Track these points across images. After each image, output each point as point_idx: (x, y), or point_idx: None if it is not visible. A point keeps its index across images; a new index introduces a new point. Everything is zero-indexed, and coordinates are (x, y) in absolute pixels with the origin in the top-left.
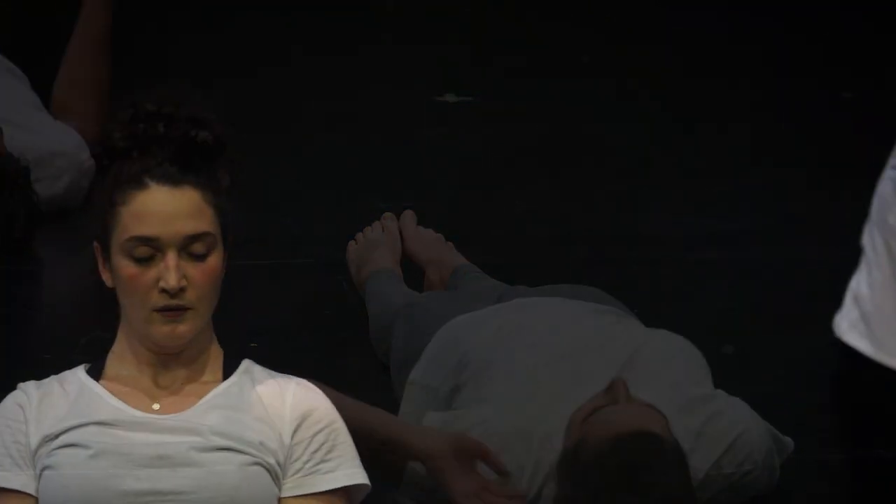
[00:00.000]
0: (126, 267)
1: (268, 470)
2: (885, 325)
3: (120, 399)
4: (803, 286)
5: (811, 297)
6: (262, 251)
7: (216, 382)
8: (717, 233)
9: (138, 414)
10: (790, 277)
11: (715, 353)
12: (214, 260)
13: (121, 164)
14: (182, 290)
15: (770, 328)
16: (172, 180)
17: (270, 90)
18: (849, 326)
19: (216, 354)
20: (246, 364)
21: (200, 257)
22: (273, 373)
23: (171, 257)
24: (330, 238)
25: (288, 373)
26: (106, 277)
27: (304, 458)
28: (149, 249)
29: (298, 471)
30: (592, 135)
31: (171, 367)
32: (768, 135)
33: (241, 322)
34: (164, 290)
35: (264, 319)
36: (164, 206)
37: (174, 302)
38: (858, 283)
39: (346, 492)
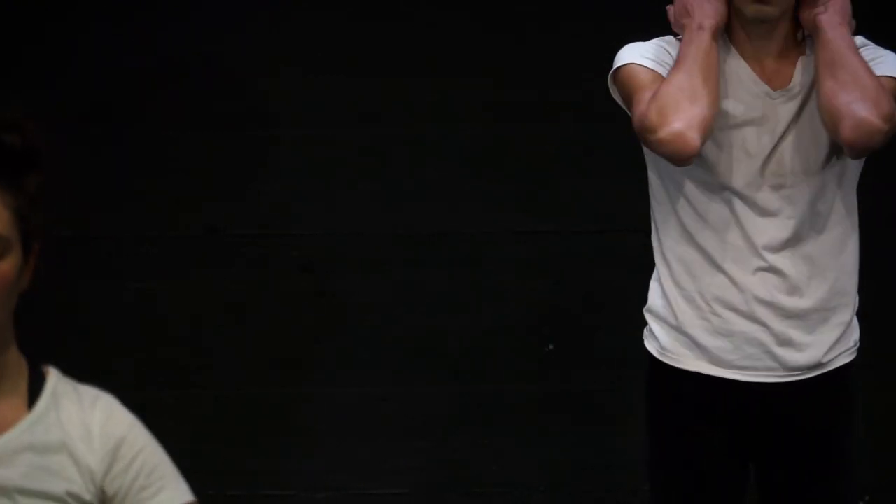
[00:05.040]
0: None
1: None
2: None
3: None
4: None
5: None
6: None
7: (21, 408)
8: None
9: None
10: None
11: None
12: (6, 265)
13: None
14: None
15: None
16: None
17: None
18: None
19: (19, 367)
20: (53, 382)
21: None
22: (78, 389)
23: None
24: None
25: None
26: None
27: (123, 491)
28: None
29: (122, 502)
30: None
31: None
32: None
33: None
34: None
35: None
36: None
37: None
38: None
39: None
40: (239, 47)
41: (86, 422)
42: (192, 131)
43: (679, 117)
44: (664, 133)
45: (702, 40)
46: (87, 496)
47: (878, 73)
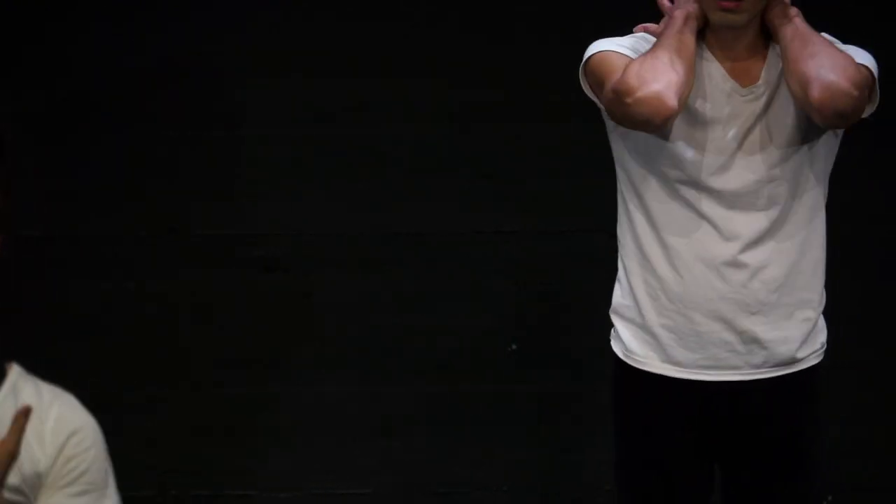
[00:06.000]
0: None
1: None
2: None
3: None
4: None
5: None
6: None
7: None
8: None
9: None
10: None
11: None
12: None
13: None
14: None
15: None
16: None
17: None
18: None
19: None
20: (13, 376)
21: None
22: (39, 386)
23: None
24: None
25: None
26: None
27: (52, 476)
28: None
29: (49, 488)
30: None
31: None
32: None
33: None
34: None
35: None
36: None
37: None
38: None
39: None
40: (238, 47)
41: (41, 416)
42: (190, 131)
43: (658, 80)
44: (642, 93)
45: (675, 21)
46: (28, 488)
47: None
